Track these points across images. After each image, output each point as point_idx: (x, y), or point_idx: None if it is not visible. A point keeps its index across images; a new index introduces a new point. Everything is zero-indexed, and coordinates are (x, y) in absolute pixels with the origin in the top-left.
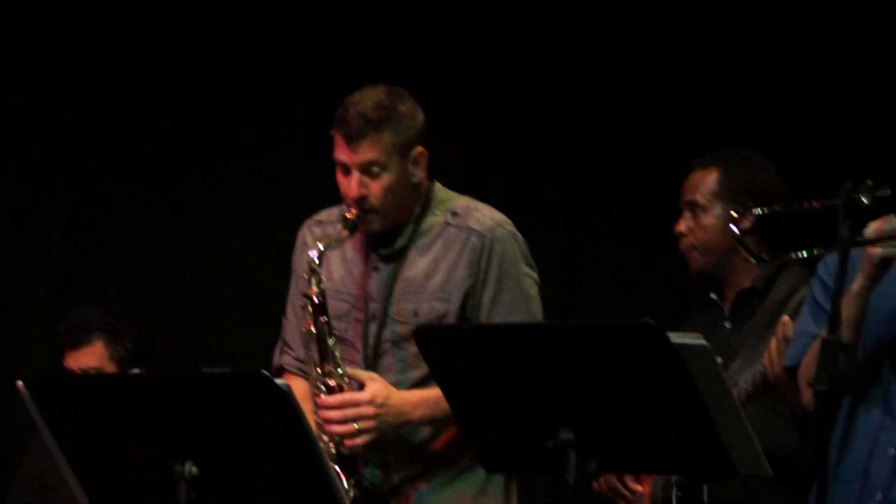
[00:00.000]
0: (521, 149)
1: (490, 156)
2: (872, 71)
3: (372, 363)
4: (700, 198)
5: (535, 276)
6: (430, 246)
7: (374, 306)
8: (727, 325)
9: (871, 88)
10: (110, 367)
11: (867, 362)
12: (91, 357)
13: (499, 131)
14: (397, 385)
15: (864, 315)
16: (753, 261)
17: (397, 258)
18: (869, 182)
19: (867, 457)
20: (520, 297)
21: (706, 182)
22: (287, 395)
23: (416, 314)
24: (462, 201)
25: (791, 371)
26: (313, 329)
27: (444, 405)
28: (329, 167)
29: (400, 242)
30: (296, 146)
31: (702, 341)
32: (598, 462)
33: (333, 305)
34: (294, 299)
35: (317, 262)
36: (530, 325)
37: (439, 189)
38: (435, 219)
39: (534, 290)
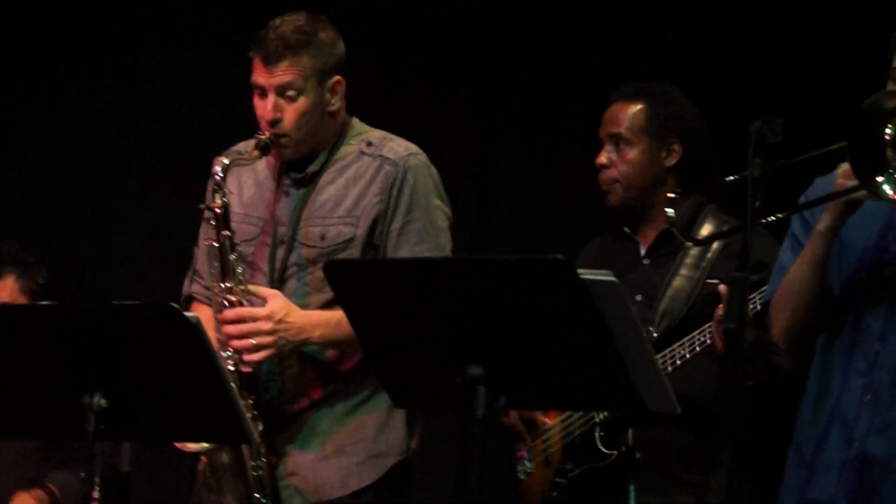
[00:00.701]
0: (433, 83)
1: (403, 92)
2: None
3: (277, 287)
4: (626, 131)
5: (447, 210)
6: (342, 172)
7: (283, 230)
8: (645, 261)
9: (780, 24)
10: (22, 301)
11: (841, 302)
12: (2, 291)
13: (411, 67)
14: (302, 308)
15: (828, 254)
16: (689, 245)
17: (309, 184)
18: (780, 119)
19: (841, 401)
20: (429, 229)
21: (632, 116)
22: (196, 328)
23: (323, 237)
24: (378, 133)
25: (766, 306)
26: (215, 243)
27: (346, 327)
28: (245, 97)
29: (312, 168)
30: (210, 76)
31: (611, 277)
32: (507, 398)
33: (242, 230)
34: (205, 230)
35: (220, 175)
36: (441, 259)
37: (357, 122)
38: (349, 148)
39: (444, 224)
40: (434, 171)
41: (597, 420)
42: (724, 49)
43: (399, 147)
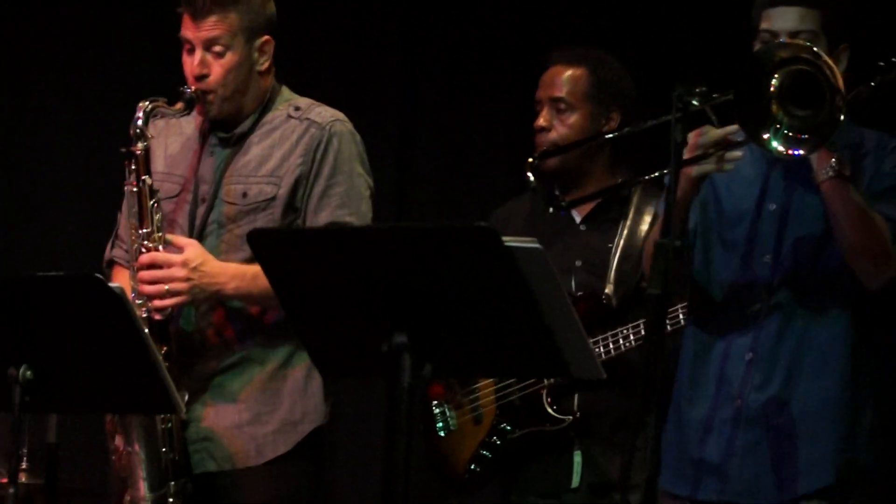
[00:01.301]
0: (353, 52)
1: (322, 62)
2: None
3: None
4: (568, 96)
5: (370, 180)
6: (269, 134)
7: (205, 188)
8: (582, 227)
9: None
10: None
11: (722, 263)
12: None
13: (330, 34)
14: None
15: (684, 218)
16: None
17: (235, 144)
18: (702, 86)
19: (723, 360)
20: (351, 194)
21: (575, 81)
22: (121, 298)
23: (244, 195)
24: (306, 100)
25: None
26: (134, 188)
27: (262, 282)
28: (174, 56)
29: (240, 129)
30: (135, 32)
31: (536, 244)
32: (432, 366)
33: (164, 188)
34: (127, 201)
35: (141, 121)
36: (364, 227)
37: (286, 90)
38: (277, 112)
39: (366, 192)
40: (358, 138)
41: (545, 384)
42: (639, 16)
43: (326, 112)
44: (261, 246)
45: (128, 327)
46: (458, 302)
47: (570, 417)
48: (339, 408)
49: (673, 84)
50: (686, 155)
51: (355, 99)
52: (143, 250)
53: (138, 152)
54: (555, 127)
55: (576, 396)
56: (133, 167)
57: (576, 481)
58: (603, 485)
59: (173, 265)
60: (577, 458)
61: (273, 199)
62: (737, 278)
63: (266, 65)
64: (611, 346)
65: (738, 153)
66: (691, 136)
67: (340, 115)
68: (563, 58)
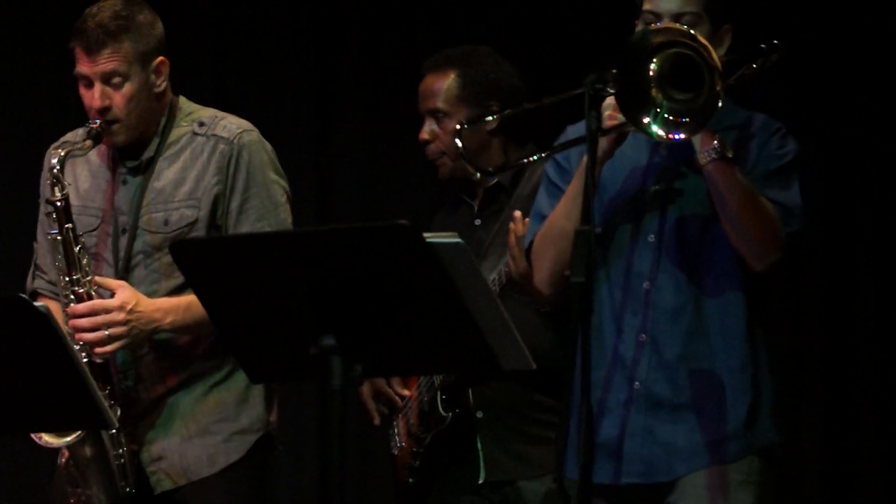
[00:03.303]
0: (268, 55)
1: (237, 64)
2: None
3: (124, 276)
4: (442, 104)
5: (285, 183)
6: (178, 156)
7: (123, 219)
8: (477, 222)
9: None
10: None
11: (605, 244)
12: None
13: (246, 37)
14: (151, 296)
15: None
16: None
17: (145, 170)
18: (614, 71)
19: (616, 342)
20: (268, 204)
21: (446, 87)
22: (46, 317)
23: (166, 223)
24: (208, 112)
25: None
26: (59, 236)
27: (196, 311)
28: (70, 89)
29: (147, 154)
30: (34, 68)
31: (457, 239)
32: (363, 366)
33: (82, 221)
34: (44, 224)
35: (57, 168)
36: (286, 232)
37: (184, 101)
38: (181, 130)
39: (283, 198)
40: (268, 145)
41: (436, 384)
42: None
43: (231, 125)
44: (184, 257)
45: (55, 346)
46: (384, 301)
47: (450, 414)
48: (284, 412)
49: (582, 71)
50: (612, 123)
51: (271, 104)
52: (74, 297)
53: (59, 203)
54: (438, 137)
55: (469, 391)
56: (55, 215)
57: (482, 476)
58: (500, 482)
59: (111, 310)
60: (479, 451)
61: (195, 221)
62: (623, 260)
63: (163, 85)
64: None
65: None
66: (610, 102)
67: (246, 125)
68: (431, 65)
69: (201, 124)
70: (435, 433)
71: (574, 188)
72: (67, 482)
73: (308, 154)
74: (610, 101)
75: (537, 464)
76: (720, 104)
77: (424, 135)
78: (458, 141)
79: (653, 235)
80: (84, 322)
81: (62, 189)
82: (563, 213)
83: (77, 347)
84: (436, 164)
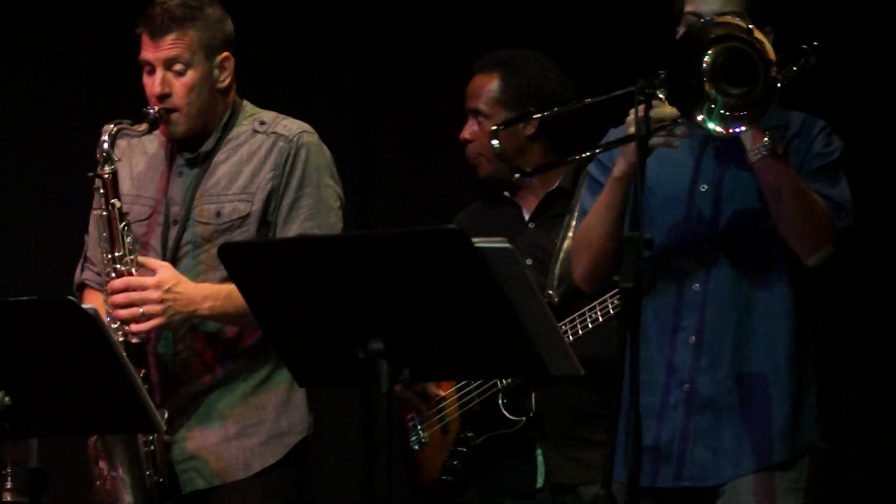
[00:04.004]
0: (310, 65)
1: (279, 75)
2: None
3: (172, 266)
4: (483, 105)
5: (339, 190)
6: (236, 151)
7: (175, 210)
8: (531, 225)
9: None
10: None
11: (657, 243)
12: None
13: (288, 45)
14: None
15: (624, 199)
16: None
17: (202, 163)
18: (662, 74)
19: (665, 345)
20: (320, 206)
21: (488, 88)
22: (94, 320)
23: (218, 214)
24: (270, 113)
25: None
26: (104, 212)
27: (237, 300)
28: (131, 80)
29: (205, 148)
30: (97, 57)
31: (506, 244)
32: (410, 371)
33: (134, 210)
34: (97, 225)
35: (108, 143)
36: (334, 236)
37: (248, 104)
38: (241, 128)
39: (335, 203)
40: (326, 150)
41: (500, 387)
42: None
43: (293, 125)
44: (232, 260)
45: (103, 348)
46: (431, 306)
47: (524, 418)
48: (320, 416)
49: (632, 75)
50: (631, 129)
51: (311, 106)
52: (115, 274)
53: (106, 176)
54: (477, 137)
55: (532, 395)
56: (101, 191)
57: (540, 481)
58: (562, 484)
59: (147, 288)
60: (539, 457)
61: (247, 216)
62: (672, 263)
63: (227, 81)
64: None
65: (684, 129)
66: (637, 112)
67: (307, 127)
68: (480, 66)
69: (262, 122)
70: (490, 436)
71: (606, 198)
72: (94, 461)
73: (349, 156)
74: (632, 117)
75: (599, 468)
76: (776, 95)
77: (465, 134)
78: (494, 142)
79: (703, 237)
80: (119, 297)
81: (111, 164)
82: (596, 222)
83: (114, 326)
84: (473, 165)
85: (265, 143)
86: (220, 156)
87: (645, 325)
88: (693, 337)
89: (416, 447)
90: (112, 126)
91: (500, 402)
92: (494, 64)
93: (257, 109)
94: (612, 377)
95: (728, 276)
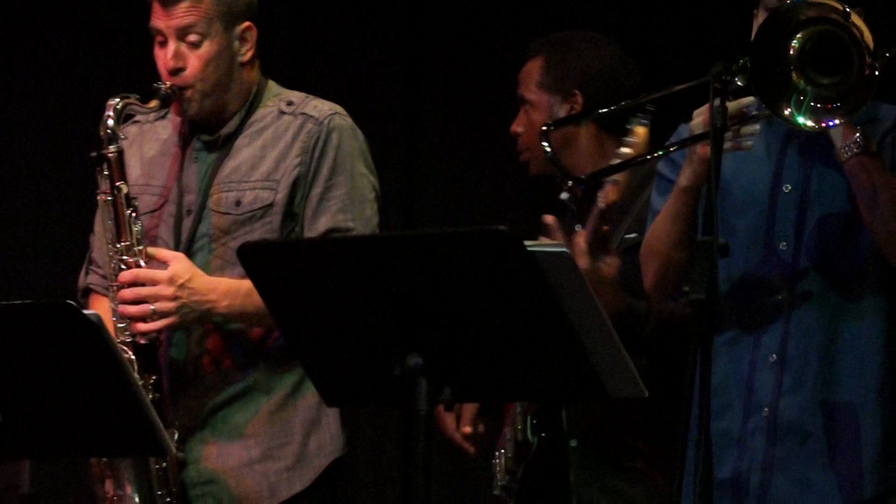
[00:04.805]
0: (356, 48)
1: (322, 50)
2: None
3: None
4: (528, 92)
5: (374, 180)
6: (259, 134)
7: (190, 198)
8: (577, 227)
9: None
10: None
11: (733, 250)
12: None
13: (329, 25)
14: None
15: (692, 210)
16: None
17: (221, 147)
18: (743, 61)
19: (742, 363)
20: (354, 196)
21: (530, 73)
22: (97, 327)
23: (238, 204)
24: (298, 94)
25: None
26: (108, 197)
27: (258, 299)
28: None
29: (226, 130)
30: (98, 25)
31: (562, 248)
32: (452, 389)
33: (143, 201)
34: (102, 212)
35: (112, 120)
36: (369, 236)
37: (273, 84)
38: (266, 109)
39: (370, 194)
40: (361, 134)
41: (523, 407)
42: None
43: (323, 106)
44: (253, 262)
45: (106, 360)
46: (477, 317)
47: (536, 440)
48: (355, 434)
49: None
50: (698, 131)
51: (357, 91)
52: (123, 266)
53: (110, 155)
54: (528, 130)
55: (563, 414)
56: (105, 173)
57: None
58: None
59: (159, 282)
60: (573, 487)
61: (270, 205)
62: (750, 271)
63: (248, 55)
64: None
65: (755, 127)
66: (702, 112)
67: (339, 109)
68: (529, 50)
69: (289, 103)
70: (525, 464)
71: (672, 208)
72: (98, 480)
73: (395, 150)
74: (701, 111)
75: (632, 502)
76: (874, 85)
77: (516, 127)
78: (545, 144)
79: (785, 243)
80: (127, 293)
81: (117, 143)
82: (662, 231)
83: (121, 325)
84: (524, 161)
85: (292, 125)
86: (241, 140)
87: (718, 340)
88: (774, 355)
89: (496, 492)
90: (117, 100)
91: (528, 423)
92: (541, 46)
93: (283, 90)
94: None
95: (815, 287)
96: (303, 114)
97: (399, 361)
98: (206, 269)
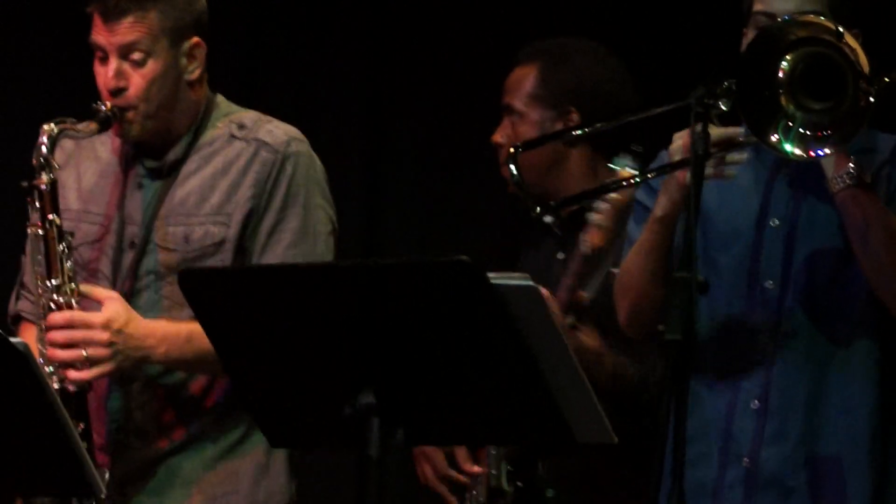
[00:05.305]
0: (314, 59)
1: (276, 69)
2: None
3: (128, 300)
4: (517, 102)
5: (332, 212)
6: (209, 160)
7: (133, 230)
8: (560, 255)
9: None
10: None
11: (714, 287)
12: None
13: (288, 39)
14: None
15: (668, 242)
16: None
17: (167, 174)
18: (728, 83)
19: (722, 410)
20: (307, 231)
21: (524, 83)
22: (25, 357)
23: (186, 240)
24: (250, 114)
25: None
26: (40, 230)
27: (199, 343)
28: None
29: (172, 156)
30: (34, 43)
31: (529, 282)
32: (406, 431)
33: (81, 229)
34: (32, 245)
35: (46, 147)
36: (321, 265)
37: (223, 101)
38: (216, 131)
39: (325, 228)
40: (319, 163)
41: (500, 454)
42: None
43: (278, 130)
44: (194, 290)
45: (34, 392)
46: (435, 353)
47: (512, 489)
48: (307, 478)
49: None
50: (677, 157)
51: (314, 113)
52: (53, 306)
53: (43, 186)
54: (511, 141)
55: (540, 463)
56: (38, 205)
57: None
58: None
59: (93, 327)
60: None
61: (222, 242)
62: (733, 310)
63: (197, 72)
64: None
65: (741, 155)
66: (682, 136)
67: (296, 133)
68: (521, 56)
69: (241, 126)
70: None
71: (647, 241)
72: None
73: (355, 170)
74: (681, 135)
75: None
76: (870, 112)
77: (497, 137)
78: (512, 168)
79: (772, 281)
80: (58, 336)
81: (50, 172)
82: (636, 265)
83: (49, 370)
84: (504, 175)
85: (245, 152)
86: (189, 165)
87: (696, 385)
88: (757, 401)
89: None
90: (52, 126)
91: (503, 470)
92: (536, 54)
93: (234, 107)
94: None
95: (802, 329)
96: (256, 139)
97: (350, 400)
98: (155, 309)
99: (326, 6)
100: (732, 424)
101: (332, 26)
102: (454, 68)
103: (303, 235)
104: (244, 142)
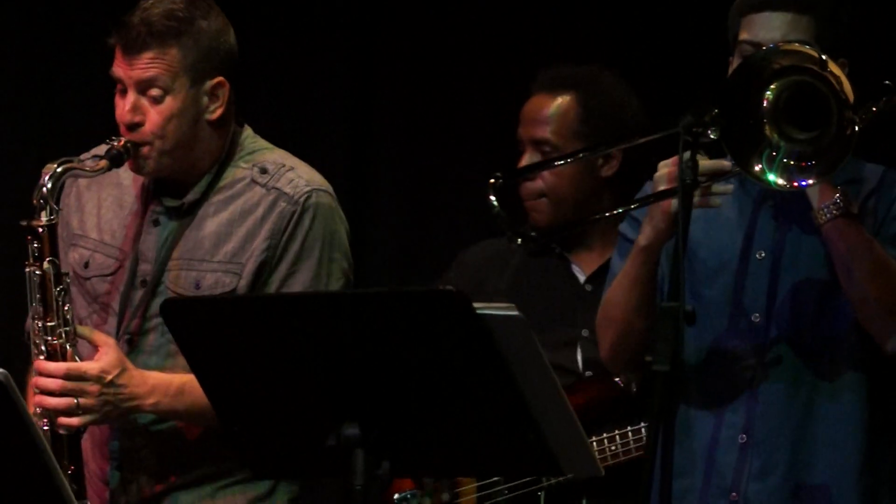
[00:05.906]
0: (296, 82)
1: (264, 73)
2: None
3: (135, 339)
4: (553, 136)
5: (347, 267)
6: (228, 204)
7: (146, 268)
8: (588, 287)
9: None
10: None
11: (701, 319)
12: None
13: (270, 58)
14: (162, 370)
15: (653, 274)
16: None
17: (185, 214)
18: (716, 111)
19: (709, 443)
20: (318, 286)
21: (560, 115)
22: (4, 388)
23: (197, 285)
24: (275, 155)
25: None
26: (37, 272)
27: (191, 395)
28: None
29: (191, 196)
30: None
31: (514, 312)
32: (391, 463)
33: (96, 260)
34: (29, 284)
35: (47, 186)
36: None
37: (249, 136)
38: (238, 172)
39: (338, 283)
40: (339, 214)
41: (544, 483)
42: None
43: (300, 179)
44: (176, 319)
45: (14, 422)
46: (421, 384)
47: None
48: None
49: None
50: (662, 186)
51: (298, 116)
52: (45, 348)
53: (40, 229)
54: (541, 175)
55: (584, 502)
56: (35, 245)
57: None
58: None
59: (87, 378)
60: None
61: (232, 291)
62: (718, 343)
63: (218, 112)
64: (631, 443)
65: (728, 186)
66: (668, 164)
67: (319, 182)
68: (546, 84)
69: (263, 171)
70: None
71: (632, 272)
72: None
73: (339, 176)
74: (667, 162)
75: None
76: (854, 142)
77: (537, 184)
78: (492, 198)
79: (758, 314)
80: (51, 384)
81: (50, 213)
82: (620, 296)
83: (37, 411)
84: (530, 208)
85: (264, 201)
86: (208, 207)
87: (683, 419)
88: (743, 434)
89: None
90: (56, 166)
91: (541, 501)
92: (568, 83)
93: (260, 144)
94: None
95: (787, 361)
96: (276, 189)
97: (335, 430)
98: (160, 352)
99: (313, 7)
100: (718, 458)
101: (318, 29)
102: (441, 72)
103: (315, 287)
104: (265, 189)
